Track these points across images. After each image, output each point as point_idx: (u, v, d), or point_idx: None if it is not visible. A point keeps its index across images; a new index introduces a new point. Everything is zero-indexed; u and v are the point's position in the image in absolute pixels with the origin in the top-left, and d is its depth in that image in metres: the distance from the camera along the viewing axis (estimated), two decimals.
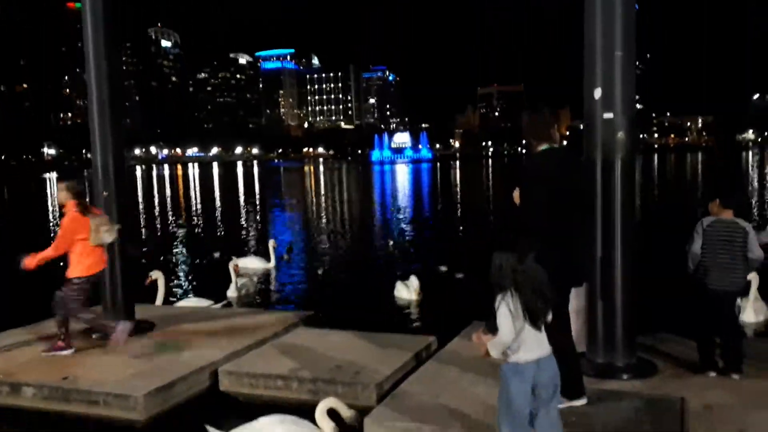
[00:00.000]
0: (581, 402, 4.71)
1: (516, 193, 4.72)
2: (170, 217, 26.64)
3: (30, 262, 6.45)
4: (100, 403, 5.51)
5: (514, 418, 3.75)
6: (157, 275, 9.37)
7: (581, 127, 5.63)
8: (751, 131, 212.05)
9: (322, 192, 41.90)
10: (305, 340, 6.76)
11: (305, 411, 5.16)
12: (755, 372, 5.26)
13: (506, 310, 3.66)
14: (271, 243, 13.55)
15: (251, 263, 13.15)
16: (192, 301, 9.77)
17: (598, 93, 5.13)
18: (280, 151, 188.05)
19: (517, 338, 3.69)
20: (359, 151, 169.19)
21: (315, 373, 5.78)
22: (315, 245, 16.63)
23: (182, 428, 5.47)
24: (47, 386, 5.72)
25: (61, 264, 6.62)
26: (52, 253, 6.49)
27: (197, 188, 50.67)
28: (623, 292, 5.28)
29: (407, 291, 10.15)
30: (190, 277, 13.09)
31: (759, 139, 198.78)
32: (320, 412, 4.97)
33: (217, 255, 15.01)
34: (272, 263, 13.16)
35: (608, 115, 5.13)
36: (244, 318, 7.77)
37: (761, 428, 4.39)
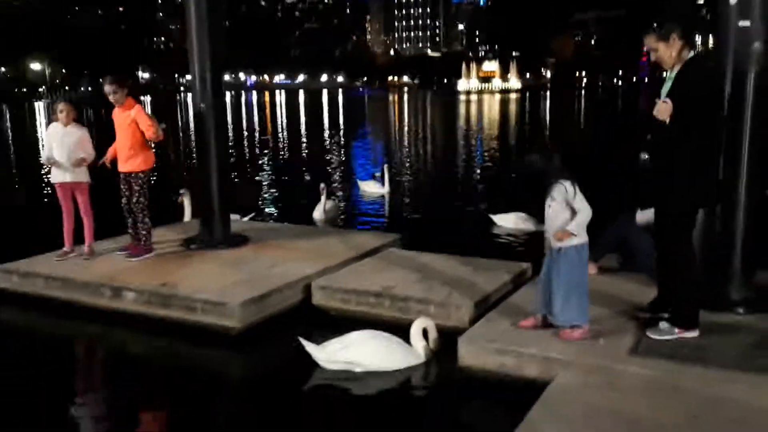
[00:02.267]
0: (693, 334, 4.42)
1: (665, 106, 4.18)
2: (260, 141, 27.03)
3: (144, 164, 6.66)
4: (197, 309, 5.64)
5: (584, 291, 4.47)
6: (185, 194, 9.31)
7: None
8: None
9: (407, 122, 41.42)
10: (397, 260, 6.67)
11: (395, 328, 5.12)
12: None
13: (580, 192, 4.34)
14: (386, 168, 13.29)
15: (369, 187, 13.12)
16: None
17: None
18: (365, 79, 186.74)
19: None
20: (445, 80, 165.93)
21: (407, 291, 5.70)
22: (402, 174, 16.40)
23: (275, 338, 5.55)
24: (147, 291, 5.90)
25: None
26: (155, 136, 6.69)
27: (284, 114, 51.15)
28: (745, 219, 4.86)
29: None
30: (278, 198, 13.25)
31: None
32: (416, 331, 4.91)
33: (308, 177, 15.08)
34: (387, 188, 12.96)
35: (744, 23, 4.60)
36: (337, 237, 7.76)
37: None
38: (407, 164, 18.03)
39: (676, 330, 4.40)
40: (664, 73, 4.47)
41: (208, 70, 7.04)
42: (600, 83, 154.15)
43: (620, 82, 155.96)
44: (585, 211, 4.36)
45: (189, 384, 4.90)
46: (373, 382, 4.67)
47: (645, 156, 4.40)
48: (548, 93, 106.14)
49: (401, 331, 5.03)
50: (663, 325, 4.47)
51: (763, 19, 4.61)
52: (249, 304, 5.56)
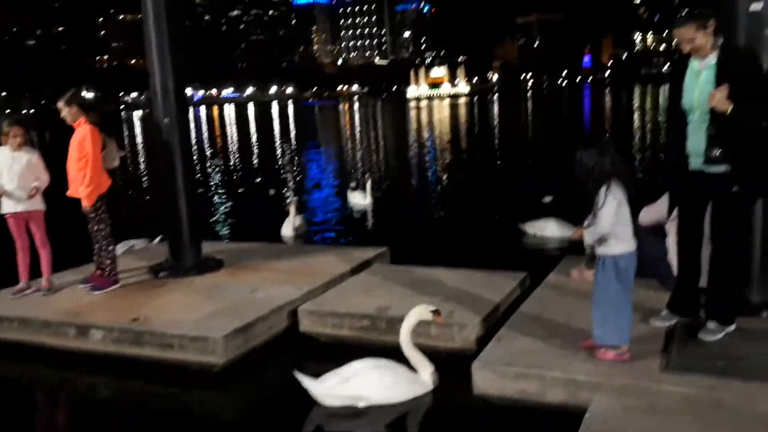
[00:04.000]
0: (731, 327, 4.26)
1: (722, 94, 3.92)
2: (210, 157, 26.29)
3: (86, 198, 6.04)
4: (174, 346, 5.10)
5: (623, 308, 3.99)
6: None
7: (623, 56, 4.94)
8: None
9: (362, 131, 41.08)
10: (388, 276, 6.24)
11: (394, 352, 4.68)
12: None
13: (613, 199, 3.88)
14: (368, 180, 12.81)
15: (355, 199, 12.59)
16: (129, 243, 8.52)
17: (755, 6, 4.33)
18: (315, 89, 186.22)
19: (620, 227, 3.93)
20: (394, 88, 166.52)
21: (404, 311, 5.24)
22: (374, 184, 15.94)
23: (263, 373, 5.06)
24: (117, 328, 5.33)
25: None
26: (95, 177, 6.04)
27: (235, 128, 50.24)
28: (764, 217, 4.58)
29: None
30: (242, 215, 12.68)
31: None
32: (412, 350, 4.48)
33: (272, 192, 14.53)
34: (369, 200, 12.43)
35: (755, 6, 4.34)
36: (318, 254, 7.29)
37: None
38: (375, 174, 17.59)
39: (727, 328, 4.22)
40: (696, 65, 4.17)
41: (171, 84, 6.49)
42: (544, 85, 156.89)
43: (564, 82, 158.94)
44: (600, 224, 3.93)
45: (169, 431, 4.38)
46: (380, 418, 4.23)
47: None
48: (495, 96, 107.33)
49: (399, 355, 4.59)
50: (711, 325, 4.23)
51: None
52: (232, 336, 5.05)
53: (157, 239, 8.58)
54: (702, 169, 4.19)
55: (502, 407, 4.12)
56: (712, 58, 4.07)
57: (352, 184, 13.91)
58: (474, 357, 4.36)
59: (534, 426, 3.98)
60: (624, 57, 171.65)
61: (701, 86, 4.07)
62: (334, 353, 5.07)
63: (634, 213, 4.12)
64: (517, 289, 5.83)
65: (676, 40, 4.14)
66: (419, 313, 4.61)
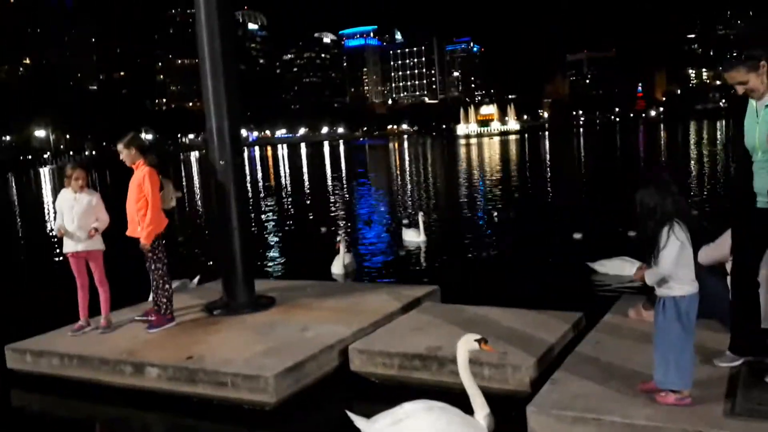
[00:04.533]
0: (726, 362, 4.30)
1: None
2: (264, 196, 26.77)
3: (145, 238, 6.22)
4: (227, 384, 5.14)
5: (685, 350, 3.86)
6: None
7: (677, 92, 4.86)
8: None
9: (409, 168, 41.31)
10: (438, 315, 6.18)
11: (444, 394, 4.61)
12: None
13: (676, 240, 3.79)
14: (421, 216, 12.83)
15: (409, 236, 12.57)
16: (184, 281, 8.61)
17: None
18: (365, 129, 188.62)
19: (681, 269, 3.83)
20: (444, 126, 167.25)
21: (454, 351, 5.18)
22: (429, 222, 15.94)
23: (315, 412, 5.04)
24: (171, 366, 5.41)
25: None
26: (154, 217, 6.22)
27: (288, 167, 51.15)
28: None
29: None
30: (293, 253, 12.81)
31: None
32: (473, 388, 4.36)
33: (323, 230, 14.68)
34: (422, 237, 12.36)
35: None
36: (368, 292, 7.28)
37: None
38: (427, 212, 17.60)
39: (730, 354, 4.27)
40: (755, 104, 4.10)
41: (226, 126, 6.68)
42: (597, 120, 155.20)
43: (617, 119, 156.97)
44: (662, 265, 3.82)
45: None
46: None
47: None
48: (546, 133, 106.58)
49: (451, 396, 4.50)
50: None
51: None
52: (284, 375, 5.07)
53: (196, 279, 8.74)
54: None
55: None
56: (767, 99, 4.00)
57: (405, 221, 13.90)
58: (528, 400, 4.27)
59: None
60: (678, 92, 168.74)
61: (761, 126, 4.00)
62: (385, 393, 5.03)
63: (694, 252, 4.01)
64: (572, 330, 5.70)
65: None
66: (465, 343, 4.51)
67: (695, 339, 3.99)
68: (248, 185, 31.21)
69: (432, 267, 10.81)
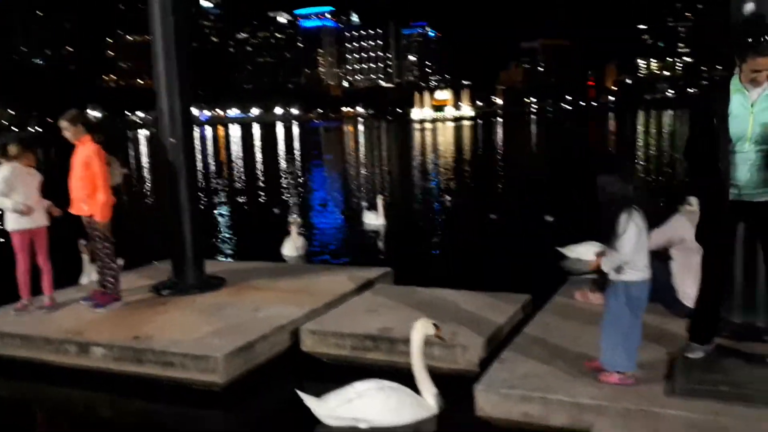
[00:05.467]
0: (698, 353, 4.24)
1: None
2: (215, 176, 26.39)
3: (100, 216, 6.07)
4: (175, 364, 5.07)
5: (632, 334, 3.99)
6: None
7: (628, 81, 4.83)
8: None
9: (364, 151, 41.22)
10: (391, 297, 6.21)
11: (395, 374, 4.65)
12: None
13: (635, 226, 3.88)
14: (380, 199, 12.68)
15: (368, 219, 12.50)
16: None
17: (750, 7, 4.34)
18: (320, 111, 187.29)
19: (637, 255, 3.93)
20: (399, 110, 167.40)
21: (407, 332, 5.21)
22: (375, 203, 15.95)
23: (265, 392, 5.02)
24: (118, 346, 5.31)
25: None
26: (105, 196, 6.06)
27: (240, 148, 50.47)
28: None
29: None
30: (246, 235, 12.69)
31: None
32: (422, 370, 4.42)
33: (277, 211, 14.56)
34: (381, 220, 12.31)
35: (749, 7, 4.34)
36: (318, 274, 7.25)
37: None
38: (386, 195, 17.58)
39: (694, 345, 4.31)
40: (747, 95, 3.97)
41: (178, 104, 6.54)
42: (548, 108, 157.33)
43: (569, 107, 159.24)
44: (622, 251, 3.89)
45: None
46: None
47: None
48: (499, 119, 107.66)
49: (402, 376, 4.55)
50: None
51: None
52: (233, 355, 5.02)
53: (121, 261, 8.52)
54: (749, 199, 4.04)
55: (505, 430, 4.08)
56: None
57: (365, 204, 13.87)
58: (477, 379, 4.33)
59: None
60: (629, 82, 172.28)
61: (757, 116, 3.92)
62: (336, 373, 5.04)
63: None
64: (520, 311, 5.80)
65: (756, 66, 3.86)
66: (422, 327, 4.56)
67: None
68: (199, 165, 30.71)
69: (388, 250, 10.85)
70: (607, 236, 3.94)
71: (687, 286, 5.09)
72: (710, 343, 4.32)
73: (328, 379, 4.71)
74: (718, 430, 3.60)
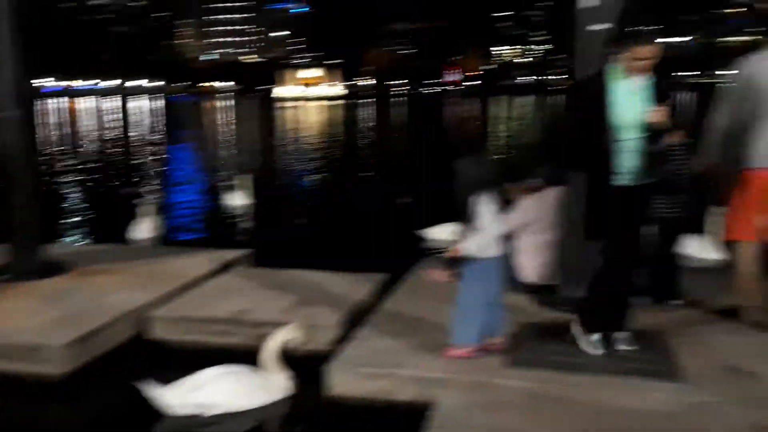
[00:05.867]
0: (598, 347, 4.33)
1: (665, 111, 3.99)
2: (67, 154, 24.68)
3: None
4: (9, 356, 4.70)
5: (477, 310, 4.17)
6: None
7: (487, 67, 5.07)
8: None
9: (227, 129, 40.13)
10: (247, 279, 6.10)
11: (250, 357, 4.58)
12: None
13: (490, 207, 4.12)
14: (246, 179, 12.14)
15: (232, 200, 11.98)
16: None
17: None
18: (180, 84, 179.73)
19: (491, 234, 4.15)
20: (266, 86, 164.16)
21: (263, 315, 5.18)
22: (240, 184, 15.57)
23: (106, 384, 4.76)
24: None
25: None
26: None
27: (94, 122, 47.42)
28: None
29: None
30: (94, 216, 11.97)
31: None
32: (272, 356, 4.39)
33: (129, 191, 13.82)
34: (246, 200, 11.85)
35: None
36: (172, 257, 6.96)
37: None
38: (248, 175, 17.16)
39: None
40: (628, 83, 4.04)
41: (11, 75, 5.99)
42: (410, 90, 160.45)
43: (431, 89, 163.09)
44: (481, 232, 4.09)
45: None
46: (230, 426, 4.11)
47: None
48: (368, 100, 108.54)
49: (256, 359, 4.50)
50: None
51: None
52: (72, 345, 4.72)
53: None
54: (631, 183, 4.10)
55: (355, 408, 4.13)
56: (650, 77, 4.05)
57: (229, 184, 13.51)
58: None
59: (383, 424, 4.03)
60: (485, 69, 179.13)
61: (640, 104, 4.03)
62: (188, 361, 4.85)
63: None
64: (378, 290, 5.89)
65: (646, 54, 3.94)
66: (289, 333, 4.48)
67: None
68: (46, 141, 28.57)
69: (251, 231, 10.64)
70: (465, 218, 4.12)
71: (527, 264, 5.44)
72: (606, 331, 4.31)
73: (179, 368, 4.52)
74: (556, 398, 3.83)
